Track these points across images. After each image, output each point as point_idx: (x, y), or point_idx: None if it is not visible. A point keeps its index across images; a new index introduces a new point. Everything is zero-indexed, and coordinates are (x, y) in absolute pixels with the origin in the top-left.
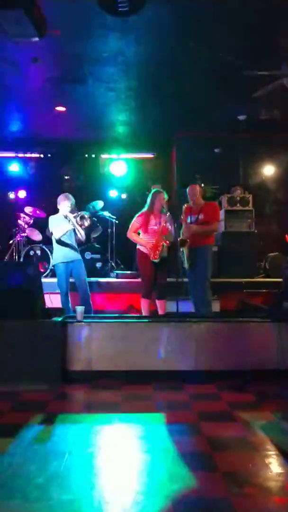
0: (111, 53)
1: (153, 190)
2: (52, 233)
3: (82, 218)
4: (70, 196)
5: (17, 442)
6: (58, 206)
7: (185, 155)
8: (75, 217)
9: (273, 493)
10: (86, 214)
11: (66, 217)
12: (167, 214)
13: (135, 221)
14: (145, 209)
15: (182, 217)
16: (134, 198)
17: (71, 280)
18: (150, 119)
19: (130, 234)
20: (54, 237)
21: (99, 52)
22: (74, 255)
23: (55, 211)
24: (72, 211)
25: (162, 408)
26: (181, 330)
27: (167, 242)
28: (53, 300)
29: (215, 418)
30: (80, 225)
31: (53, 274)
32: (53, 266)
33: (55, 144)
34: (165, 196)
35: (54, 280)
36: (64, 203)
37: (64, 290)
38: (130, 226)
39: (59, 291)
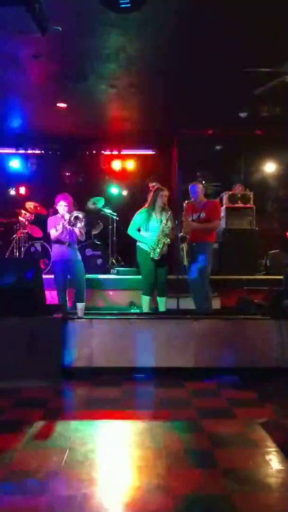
0: (113, 50)
1: (154, 188)
2: (49, 234)
3: (76, 218)
4: (67, 195)
5: (18, 438)
6: (56, 207)
7: (186, 152)
8: (70, 217)
9: (273, 490)
10: (80, 215)
11: (63, 217)
12: (169, 212)
13: (136, 218)
14: (146, 206)
15: (183, 214)
16: (134, 195)
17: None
18: (151, 116)
19: (131, 231)
20: (51, 238)
21: (100, 49)
22: (72, 254)
23: (55, 208)
24: (69, 211)
25: (163, 404)
26: (182, 327)
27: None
28: (53, 297)
29: (216, 415)
30: (72, 225)
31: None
32: (51, 263)
33: (56, 140)
34: (167, 194)
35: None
36: (60, 203)
37: (61, 288)
38: (131, 223)
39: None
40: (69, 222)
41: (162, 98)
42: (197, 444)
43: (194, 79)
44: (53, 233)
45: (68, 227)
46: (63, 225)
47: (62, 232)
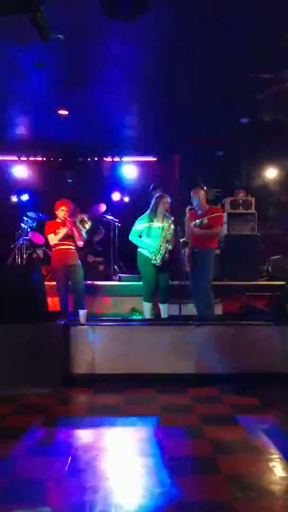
0: (114, 57)
1: (156, 194)
2: (47, 239)
3: (82, 221)
4: (67, 201)
5: (20, 445)
6: (56, 212)
7: (188, 158)
8: (75, 221)
9: (276, 497)
10: (86, 217)
11: (63, 222)
12: (171, 219)
13: (137, 224)
14: (147, 212)
15: (185, 219)
16: (136, 201)
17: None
18: (153, 123)
19: (132, 237)
20: (49, 242)
21: (102, 56)
22: (73, 259)
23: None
24: (71, 216)
25: (165, 411)
26: (184, 333)
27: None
28: (55, 303)
29: (218, 421)
30: (80, 229)
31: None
32: (52, 269)
33: (57, 147)
34: (168, 200)
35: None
36: (61, 208)
37: (63, 294)
38: (132, 229)
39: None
40: (78, 226)
41: (164, 104)
42: (200, 451)
43: (195, 85)
44: (52, 237)
45: (74, 230)
46: (72, 225)
47: (61, 237)
